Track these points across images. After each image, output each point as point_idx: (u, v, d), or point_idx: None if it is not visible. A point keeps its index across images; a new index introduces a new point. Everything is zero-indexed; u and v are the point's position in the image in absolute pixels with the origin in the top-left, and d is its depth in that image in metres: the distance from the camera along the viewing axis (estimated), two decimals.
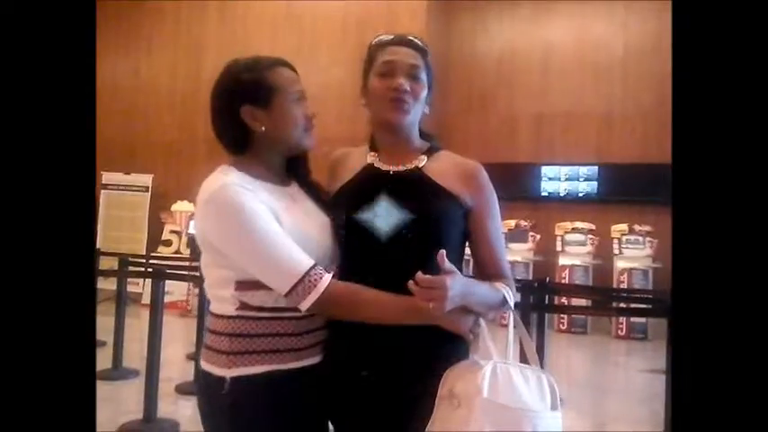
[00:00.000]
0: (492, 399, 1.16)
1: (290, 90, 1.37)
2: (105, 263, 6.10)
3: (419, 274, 1.15)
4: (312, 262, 1.26)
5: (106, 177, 8.67)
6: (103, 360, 4.76)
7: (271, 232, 1.25)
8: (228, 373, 1.28)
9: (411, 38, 1.44)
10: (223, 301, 1.32)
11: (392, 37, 1.44)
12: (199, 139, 8.40)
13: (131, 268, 5.49)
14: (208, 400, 1.33)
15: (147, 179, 8.61)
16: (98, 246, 7.41)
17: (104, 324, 4.66)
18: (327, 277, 1.26)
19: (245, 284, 1.29)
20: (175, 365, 4.92)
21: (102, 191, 8.68)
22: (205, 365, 1.33)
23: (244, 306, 1.30)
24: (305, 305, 1.25)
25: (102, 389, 4.33)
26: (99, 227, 8.65)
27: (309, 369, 1.34)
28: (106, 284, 6.47)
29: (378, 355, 1.31)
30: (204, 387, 1.33)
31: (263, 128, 1.35)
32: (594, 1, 8.14)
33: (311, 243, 1.31)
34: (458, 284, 1.17)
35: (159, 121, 9.07)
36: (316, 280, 1.24)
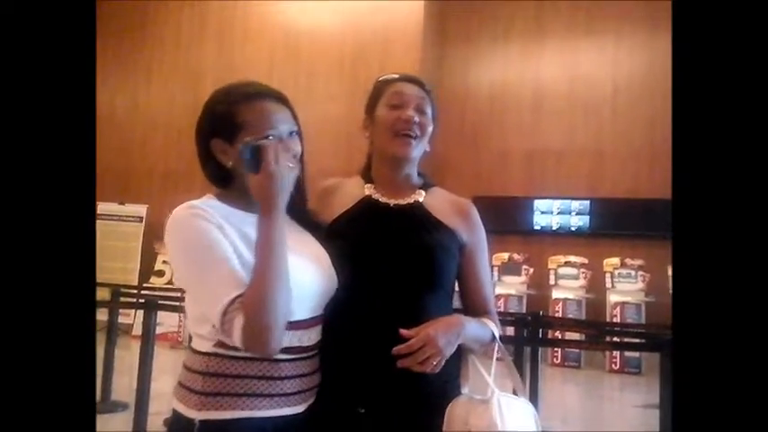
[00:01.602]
0: (505, 430, 1.24)
1: (259, 128, 1.22)
2: (97, 293, 6.05)
3: (403, 331, 1.21)
4: (237, 292, 1.12)
5: (100, 207, 8.65)
6: None
7: (211, 257, 1.15)
8: (198, 415, 1.17)
9: (419, 78, 1.50)
10: (201, 337, 1.22)
11: (399, 75, 1.49)
12: (195, 168, 8.40)
13: (123, 299, 5.45)
14: None
15: (141, 209, 8.60)
16: None
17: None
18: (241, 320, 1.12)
19: None
20: (165, 399, 4.82)
21: (97, 221, 8.66)
22: (175, 404, 1.22)
23: (220, 344, 1.18)
24: (234, 340, 1.12)
25: None
26: None
27: (291, 419, 1.22)
28: (97, 315, 6.40)
29: (374, 390, 1.30)
30: (173, 429, 1.22)
31: (231, 163, 1.25)
32: (584, 37, 8.32)
33: (301, 273, 1.22)
34: (441, 329, 1.23)
35: (155, 151, 9.11)
36: (237, 311, 1.11)
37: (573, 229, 8.09)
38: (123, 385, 4.80)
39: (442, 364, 1.22)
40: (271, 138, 1.22)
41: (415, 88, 1.45)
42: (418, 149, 1.42)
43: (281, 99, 1.30)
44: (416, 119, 1.40)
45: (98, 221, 8.61)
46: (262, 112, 1.25)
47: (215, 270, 1.15)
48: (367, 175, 1.47)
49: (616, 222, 7.70)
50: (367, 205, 1.42)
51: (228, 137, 1.24)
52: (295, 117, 1.31)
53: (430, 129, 1.44)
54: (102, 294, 5.65)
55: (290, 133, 1.28)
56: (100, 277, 7.17)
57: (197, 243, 1.17)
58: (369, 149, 1.47)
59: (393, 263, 1.34)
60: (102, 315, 5.90)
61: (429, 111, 1.44)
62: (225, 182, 1.30)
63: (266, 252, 1.15)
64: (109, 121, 9.12)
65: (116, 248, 8.59)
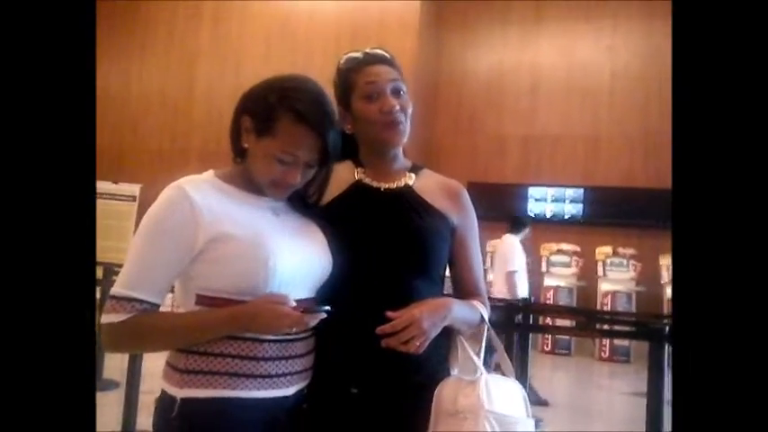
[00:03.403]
0: (492, 409, 1.25)
1: (284, 142, 1.21)
2: None
3: (388, 313, 1.21)
4: (142, 296, 1.15)
5: None
6: None
7: (149, 242, 1.17)
8: (180, 393, 1.16)
9: (381, 53, 1.43)
10: None
11: (361, 55, 1.42)
12: (189, 148, 8.41)
13: (115, 278, 5.45)
14: (157, 422, 1.21)
15: (135, 189, 8.56)
16: None
17: None
18: (121, 318, 1.14)
19: (205, 299, 1.19)
20: (156, 378, 4.82)
21: None
22: (162, 383, 1.22)
23: None
24: (101, 321, 1.15)
25: None
26: None
27: (279, 400, 1.21)
28: None
29: (366, 371, 1.31)
30: (158, 407, 1.22)
31: (247, 145, 1.25)
32: (581, 24, 8.30)
33: (292, 255, 1.22)
34: (426, 311, 1.23)
35: (150, 130, 9.06)
36: (116, 309, 1.14)
37: (566, 217, 8.11)
38: (115, 364, 4.81)
39: (426, 345, 1.23)
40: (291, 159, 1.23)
41: (384, 68, 1.38)
42: (407, 131, 1.40)
43: (330, 120, 1.28)
44: (397, 106, 1.36)
45: None
46: (298, 128, 1.23)
47: (141, 256, 1.18)
48: (356, 159, 1.45)
49: (609, 211, 7.74)
50: (357, 189, 1.41)
51: (257, 124, 1.23)
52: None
53: (410, 107, 1.40)
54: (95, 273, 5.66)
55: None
56: None
57: (153, 220, 1.18)
58: (348, 131, 1.40)
59: (383, 246, 1.34)
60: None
61: (404, 87, 1.39)
62: (239, 156, 1.29)
63: (197, 330, 1.18)
64: (103, 101, 9.01)
65: (109, 227, 8.55)
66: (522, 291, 5.41)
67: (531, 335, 4.11)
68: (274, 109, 1.21)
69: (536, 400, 4.77)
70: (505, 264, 5.39)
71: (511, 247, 5.44)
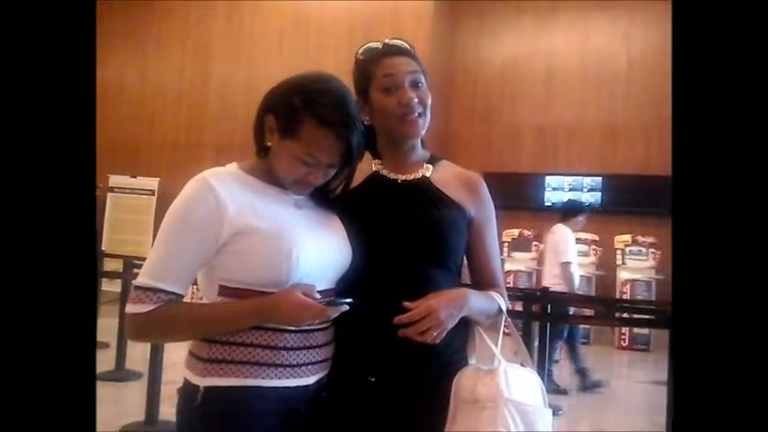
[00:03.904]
0: (511, 398, 1.26)
1: (307, 145, 1.21)
2: (110, 265, 6.12)
3: (406, 303, 1.22)
4: (167, 287, 1.17)
5: (113, 180, 8.73)
6: (107, 362, 4.78)
7: (183, 230, 1.18)
8: (202, 381, 1.19)
9: (400, 44, 1.42)
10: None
11: (380, 46, 1.42)
12: (205, 142, 8.45)
13: (136, 270, 5.51)
14: (181, 410, 1.24)
15: (153, 182, 8.66)
16: (103, 248, 7.44)
17: (108, 326, 4.69)
18: (147, 308, 1.16)
19: (228, 290, 1.21)
20: (178, 368, 4.90)
21: (109, 194, 8.74)
22: (185, 372, 1.24)
23: None
24: (126, 311, 1.18)
25: (105, 390, 4.35)
26: (105, 229, 8.70)
27: (301, 390, 1.23)
28: (110, 286, 6.49)
29: (384, 361, 1.32)
30: (181, 396, 1.24)
31: (269, 143, 1.27)
32: (597, 11, 8.18)
33: (313, 246, 1.24)
34: (443, 301, 1.24)
35: (165, 124, 9.13)
36: (141, 299, 1.16)
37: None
38: (137, 354, 4.89)
39: (443, 335, 1.24)
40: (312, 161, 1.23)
41: (403, 60, 1.38)
42: (426, 123, 1.40)
43: (351, 121, 1.26)
44: (415, 98, 1.35)
45: (110, 194, 8.72)
46: (320, 130, 1.23)
47: (166, 247, 1.19)
48: (373, 151, 1.45)
49: (628, 199, 7.65)
50: (375, 181, 1.42)
51: (280, 123, 1.23)
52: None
53: (430, 99, 1.39)
54: (116, 266, 5.73)
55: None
56: (113, 249, 7.28)
57: (178, 212, 1.20)
58: (367, 122, 1.39)
59: (400, 238, 1.34)
60: (115, 287, 5.98)
61: (423, 79, 1.39)
62: (262, 152, 1.30)
63: (222, 320, 1.20)
64: (119, 95, 9.13)
65: (128, 221, 8.67)
66: (577, 282, 5.24)
67: (548, 324, 4.10)
68: (298, 111, 1.21)
69: (554, 389, 4.75)
70: (559, 255, 5.16)
71: (564, 238, 5.20)
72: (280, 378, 1.20)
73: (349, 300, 1.22)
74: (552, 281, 5.13)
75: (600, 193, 7.96)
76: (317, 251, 1.24)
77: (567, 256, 5.16)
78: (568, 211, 5.46)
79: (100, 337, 5.62)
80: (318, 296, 1.20)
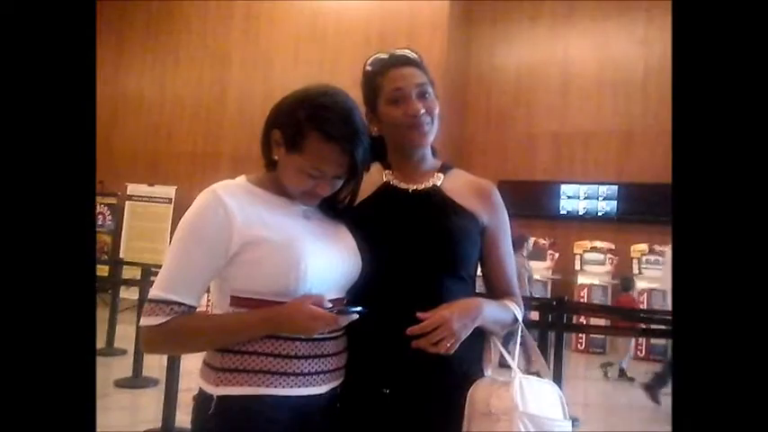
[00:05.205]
0: (526, 411, 1.25)
1: (312, 159, 1.23)
2: (128, 272, 6.20)
3: (419, 314, 1.22)
4: (180, 299, 1.18)
5: (131, 189, 8.85)
6: (124, 368, 4.82)
7: (193, 243, 1.19)
8: (216, 391, 1.20)
9: (407, 54, 1.42)
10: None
11: (387, 57, 1.42)
12: (222, 151, 8.54)
13: (153, 278, 5.56)
14: (195, 419, 1.25)
15: (170, 191, 8.76)
16: (121, 255, 7.53)
17: (125, 333, 4.74)
18: (160, 320, 1.18)
19: (240, 300, 1.22)
20: (195, 376, 4.93)
21: (127, 202, 8.86)
22: (199, 381, 1.25)
23: None
24: (141, 322, 1.20)
25: (122, 397, 4.39)
26: (122, 237, 8.82)
27: (313, 399, 1.23)
28: (128, 294, 6.57)
29: (398, 372, 1.31)
30: (195, 405, 1.25)
31: (276, 157, 1.28)
32: (614, 18, 8.15)
33: (324, 257, 1.25)
34: (457, 312, 1.23)
35: (183, 134, 9.24)
36: (155, 312, 1.18)
37: (600, 214, 7.99)
38: (154, 362, 4.93)
39: (456, 346, 1.23)
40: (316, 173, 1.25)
41: (410, 70, 1.39)
42: (433, 132, 1.41)
43: (357, 133, 1.27)
44: (423, 109, 1.36)
45: (128, 203, 8.84)
46: (325, 145, 1.24)
47: (178, 260, 1.20)
48: (384, 161, 1.46)
49: (644, 208, 7.59)
50: (386, 192, 1.42)
51: (286, 138, 1.25)
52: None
53: (437, 109, 1.40)
54: (133, 273, 5.79)
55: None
56: (131, 257, 7.37)
57: (189, 225, 1.21)
58: (375, 133, 1.40)
59: (412, 247, 1.34)
60: (132, 294, 6.06)
61: (431, 90, 1.39)
62: (270, 166, 1.32)
63: (234, 331, 1.22)
64: (138, 106, 9.27)
65: (146, 229, 8.77)
66: None
67: (564, 334, 4.07)
68: (303, 126, 1.22)
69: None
70: None
71: None
72: (292, 387, 1.21)
73: (359, 308, 1.23)
74: None
75: (616, 202, 7.90)
76: (325, 261, 1.25)
77: None
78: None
79: (117, 344, 5.68)
80: (329, 305, 1.21)
